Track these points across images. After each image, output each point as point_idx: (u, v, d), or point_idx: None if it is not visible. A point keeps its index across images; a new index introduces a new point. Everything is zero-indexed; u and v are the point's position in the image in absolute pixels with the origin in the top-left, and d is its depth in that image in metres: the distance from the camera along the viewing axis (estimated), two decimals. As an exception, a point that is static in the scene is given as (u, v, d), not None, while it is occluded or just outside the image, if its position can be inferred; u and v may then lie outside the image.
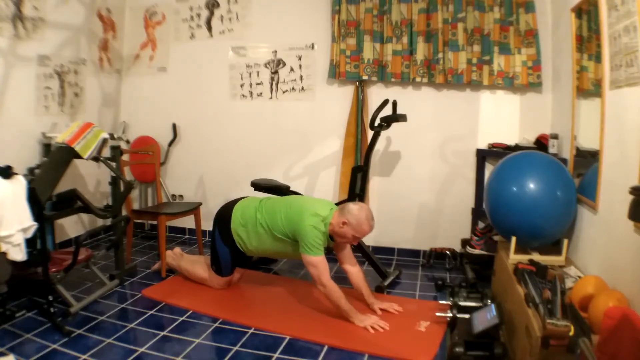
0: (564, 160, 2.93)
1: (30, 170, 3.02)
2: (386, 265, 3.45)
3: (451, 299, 2.41)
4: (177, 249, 3.35)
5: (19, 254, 2.24)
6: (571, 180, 2.63)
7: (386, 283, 3.08)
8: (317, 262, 2.54)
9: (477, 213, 3.49)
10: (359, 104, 3.65)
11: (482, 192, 3.42)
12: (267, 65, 3.91)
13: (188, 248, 3.88)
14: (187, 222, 3.93)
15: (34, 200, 2.34)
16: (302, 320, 2.59)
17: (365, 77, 3.61)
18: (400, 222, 3.78)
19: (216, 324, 2.56)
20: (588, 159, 2.65)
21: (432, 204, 3.71)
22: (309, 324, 2.55)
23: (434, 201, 3.71)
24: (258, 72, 3.93)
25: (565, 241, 2.61)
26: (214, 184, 4.13)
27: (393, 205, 3.77)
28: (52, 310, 2.48)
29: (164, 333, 2.43)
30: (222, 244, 2.86)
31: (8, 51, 3.05)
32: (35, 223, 2.32)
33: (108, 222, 3.40)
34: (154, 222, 3.97)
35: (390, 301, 2.79)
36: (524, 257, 2.56)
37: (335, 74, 3.66)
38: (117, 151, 3.20)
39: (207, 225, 3.47)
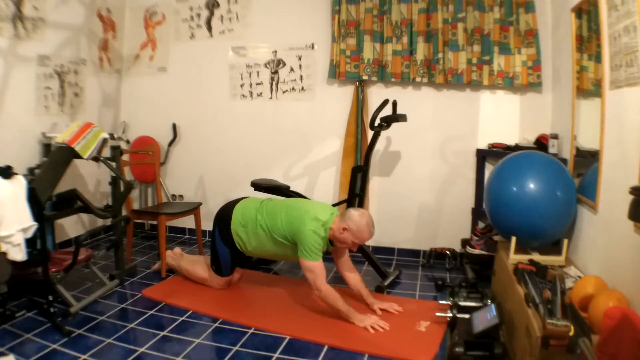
0: (564, 160, 2.93)
1: (30, 170, 3.02)
2: (386, 265, 3.45)
3: (451, 299, 2.41)
4: (177, 249, 3.35)
5: (19, 254, 2.24)
6: (571, 180, 2.63)
7: (386, 283, 3.08)
8: (314, 267, 2.54)
9: (477, 213, 3.49)
10: (359, 104, 3.65)
11: (482, 192, 3.42)
12: (267, 65, 3.91)
13: (188, 248, 3.88)
14: (187, 222, 3.93)
15: (34, 200, 2.34)
16: (302, 320, 2.59)
17: (365, 77, 3.61)
18: (400, 222, 3.78)
19: (216, 324, 2.56)
20: (588, 159, 2.65)
21: (432, 204, 3.71)
22: (309, 324, 2.55)
23: (434, 201, 3.70)
24: (258, 72, 3.93)
25: (565, 241, 2.61)
26: (214, 184, 4.13)
27: (393, 205, 3.77)
28: (52, 310, 2.48)
29: (164, 333, 2.43)
30: (222, 244, 2.86)
31: (8, 51, 3.05)
32: (35, 223, 2.32)
33: (108, 222, 3.40)
34: (154, 222, 3.97)
35: (390, 301, 2.79)
36: (524, 257, 2.56)
37: (335, 74, 3.66)
38: (117, 151, 3.20)
39: (207, 225, 3.47)
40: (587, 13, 2.67)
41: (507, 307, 2.34)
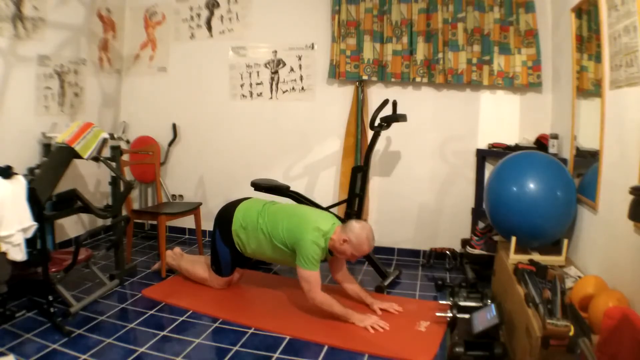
0: (564, 160, 2.93)
1: (30, 170, 3.02)
2: (386, 265, 3.45)
3: (451, 299, 2.41)
4: (177, 249, 3.35)
5: (19, 254, 2.24)
6: (571, 180, 2.63)
7: (386, 283, 3.08)
8: (311, 276, 2.53)
9: (477, 213, 3.49)
10: (359, 104, 3.65)
11: (482, 192, 3.42)
12: (267, 65, 3.91)
13: (188, 248, 3.88)
14: (187, 222, 3.93)
15: (34, 200, 2.34)
16: (302, 320, 2.59)
17: (365, 77, 3.61)
18: (400, 222, 3.78)
19: (216, 324, 2.56)
20: (588, 159, 2.65)
21: (432, 204, 3.71)
22: (309, 324, 2.55)
23: (434, 201, 3.70)
24: (258, 72, 3.93)
25: (565, 241, 2.61)
26: (214, 184, 4.13)
27: (393, 205, 3.77)
28: (52, 310, 2.47)
29: (164, 333, 2.43)
30: (223, 244, 2.86)
31: (8, 51, 3.05)
32: (35, 223, 2.32)
33: (108, 222, 3.40)
34: (154, 222, 3.97)
35: (390, 301, 2.79)
36: (524, 257, 2.56)
37: (335, 74, 3.66)
38: (117, 151, 3.20)
39: (207, 225, 3.47)
40: (587, 13, 2.67)
41: (507, 307, 2.34)
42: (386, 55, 3.55)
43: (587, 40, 2.70)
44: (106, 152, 3.12)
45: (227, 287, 3.00)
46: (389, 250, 3.82)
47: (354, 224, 2.56)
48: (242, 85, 3.98)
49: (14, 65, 3.10)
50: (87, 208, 2.79)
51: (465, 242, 3.46)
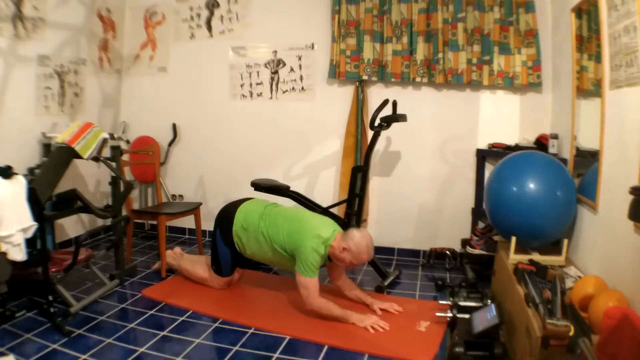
0: (564, 160, 2.93)
1: (30, 170, 3.02)
2: (386, 265, 3.45)
3: (451, 299, 2.41)
4: (177, 249, 3.35)
5: (19, 254, 2.24)
6: (571, 180, 2.63)
7: (386, 283, 3.08)
8: (309, 283, 2.53)
9: (477, 213, 3.49)
10: (359, 104, 3.65)
11: (482, 192, 3.42)
12: (267, 65, 3.91)
13: (188, 248, 3.88)
14: (187, 222, 3.92)
15: (34, 200, 2.34)
16: (302, 320, 2.59)
17: (365, 77, 3.61)
18: (400, 222, 3.78)
19: (216, 324, 2.56)
20: (588, 159, 2.65)
21: (432, 204, 3.71)
22: (309, 324, 2.55)
23: (434, 201, 3.70)
24: (258, 72, 3.93)
25: (565, 241, 2.61)
26: (214, 184, 4.13)
27: (393, 205, 3.77)
28: (52, 310, 2.47)
29: (164, 333, 2.43)
30: (223, 245, 2.86)
31: (8, 51, 3.05)
32: (35, 223, 2.32)
33: (108, 222, 3.40)
34: (154, 222, 3.97)
35: (390, 301, 2.79)
36: (524, 257, 2.56)
37: (335, 74, 3.66)
38: (117, 151, 3.20)
39: (207, 225, 3.47)
40: (587, 13, 2.67)
41: (507, 307, 2.34)
42: (386, 55, 3.55)
43: (587, 40, 2.70)
44: (106, 152, 3.12)
45: (227, 287, 3.00)
46: (389, 250, 3.81)
47: (355, 233, 2.55)
48: (242, 85, 3.98)
49: (14, 65, 3.10)
50: (87, 208, 2.79)
51: (465, 242, 3.46)
